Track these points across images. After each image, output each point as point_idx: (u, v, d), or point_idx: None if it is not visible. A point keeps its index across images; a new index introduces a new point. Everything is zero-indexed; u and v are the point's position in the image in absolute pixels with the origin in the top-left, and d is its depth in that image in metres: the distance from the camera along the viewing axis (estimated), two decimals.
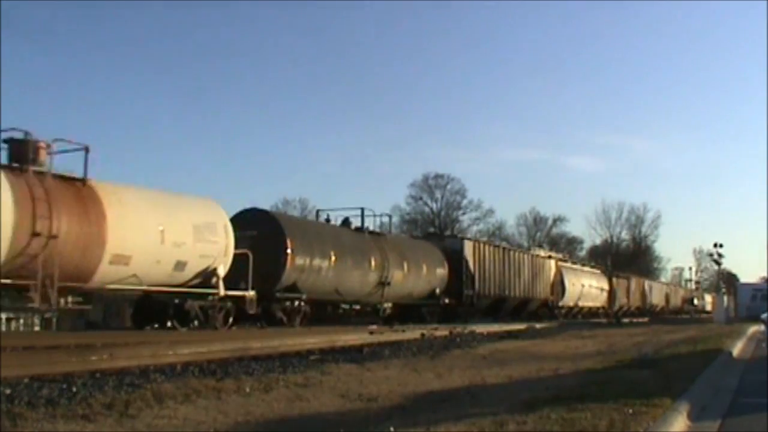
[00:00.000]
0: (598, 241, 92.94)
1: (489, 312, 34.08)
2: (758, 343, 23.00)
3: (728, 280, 72.31)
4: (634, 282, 61.67)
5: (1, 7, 53.70)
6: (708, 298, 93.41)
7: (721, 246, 53.37)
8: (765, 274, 79.03)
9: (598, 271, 55.56)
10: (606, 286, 53.01)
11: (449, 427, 6.14)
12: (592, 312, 49.40)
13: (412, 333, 19.32)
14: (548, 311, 41.25)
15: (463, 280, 31.10)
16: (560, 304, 43.25)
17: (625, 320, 46.15)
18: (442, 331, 20.73)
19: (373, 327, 20.14)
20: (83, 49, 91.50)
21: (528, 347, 18.05)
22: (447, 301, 30.14)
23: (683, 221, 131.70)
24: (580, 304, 47.31)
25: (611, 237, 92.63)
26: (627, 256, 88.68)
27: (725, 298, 53.83)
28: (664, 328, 31.19)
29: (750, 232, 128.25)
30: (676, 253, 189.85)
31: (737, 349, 19.36)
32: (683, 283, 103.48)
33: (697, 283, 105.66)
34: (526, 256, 40.57)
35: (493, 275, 34.26)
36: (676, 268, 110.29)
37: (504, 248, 39.05)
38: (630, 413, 6.79)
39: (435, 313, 29.36)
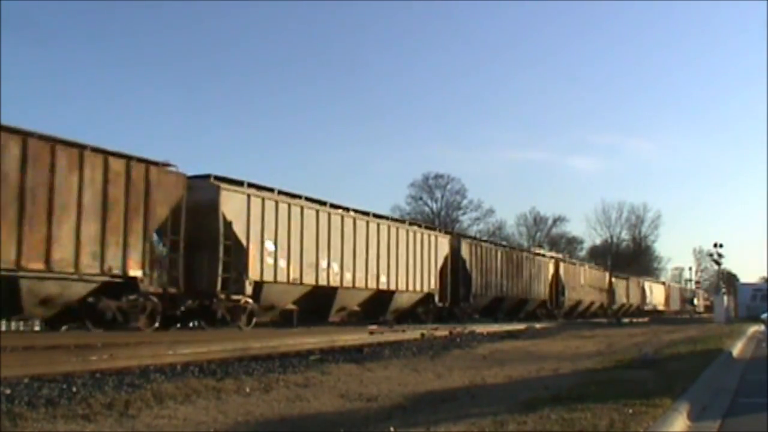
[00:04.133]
0: (598, 241, 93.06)
1: None
2: (758, 343, 23.00)
3: (728, 280, 72.18)
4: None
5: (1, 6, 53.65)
6: (657, 288, 76.77)
7: (721, 246, 53.45)
8: (765, 274, 79.22)
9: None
10: None
11: (449, 427, 6.14)
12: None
13: (412, 333, 19.28)
14: None
15: None
16: None
17: (625, 320, 46.08)
18: (442, 331, 20.72)
19: (373, 327, 20.12)
20: (81, 46, 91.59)
21: (528, 347, 18.03)
22: None
23: (683, 221, 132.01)
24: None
25: (611, 237, 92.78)
26: (627, 256, 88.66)
27: (725, 298, 53.76)
28: (663, 328, 31.17)
29: (750, 232, 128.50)
30: (676, 253, 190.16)
31: (737, 349, 19.33)
32: (683, 282, 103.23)
33: (697, 283, 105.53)
34: None
35: None
36: (676, 268, 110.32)
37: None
38: (630, 413, 6.78)
39: None
